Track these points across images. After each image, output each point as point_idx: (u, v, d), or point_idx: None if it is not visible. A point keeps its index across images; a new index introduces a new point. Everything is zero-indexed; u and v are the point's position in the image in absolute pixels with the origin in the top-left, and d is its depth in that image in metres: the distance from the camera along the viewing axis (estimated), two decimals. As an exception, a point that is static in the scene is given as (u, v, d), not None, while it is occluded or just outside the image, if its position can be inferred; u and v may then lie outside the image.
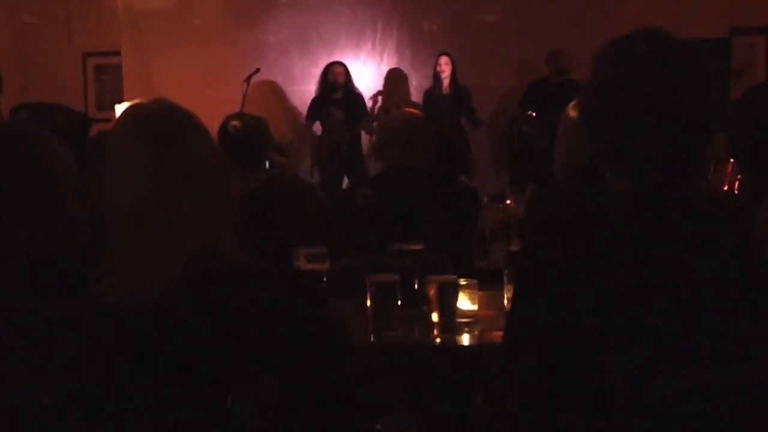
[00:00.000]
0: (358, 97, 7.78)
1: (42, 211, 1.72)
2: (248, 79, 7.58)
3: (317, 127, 7.87)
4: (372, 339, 2.56)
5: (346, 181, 7.62)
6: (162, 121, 1.65)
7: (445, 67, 7.73)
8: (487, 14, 8.17)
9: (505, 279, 2.78)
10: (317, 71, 7.96)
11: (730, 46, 7.40)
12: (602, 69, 1.57)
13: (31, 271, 1.68)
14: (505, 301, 2.76)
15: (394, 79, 7.86)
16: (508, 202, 4.30)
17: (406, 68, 8.24)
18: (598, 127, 1.58)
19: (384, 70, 8.24)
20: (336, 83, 7.64)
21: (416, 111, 4.02)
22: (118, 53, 8.40)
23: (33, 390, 1.56)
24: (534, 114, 7.51)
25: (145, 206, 1.58)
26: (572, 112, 2.87)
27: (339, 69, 7.69)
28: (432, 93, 7.84)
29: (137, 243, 1.58)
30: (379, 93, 7.92)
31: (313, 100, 7.81)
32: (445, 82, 7.76)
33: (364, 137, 7.81)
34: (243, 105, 7.26)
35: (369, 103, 7.90)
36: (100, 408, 1.56)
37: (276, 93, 8.33)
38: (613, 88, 1.55)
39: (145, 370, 1.55)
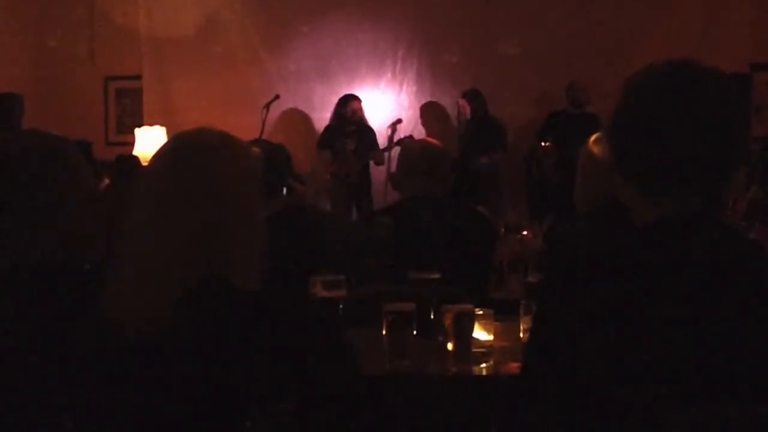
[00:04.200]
0: (370, 129, 7.92)
1: (43, 223, 1.73)
2: (267, 105, 7.62)
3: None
4: (387, 368, 2.54)
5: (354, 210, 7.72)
6: (184, 153, 1.69)
7: (461, 108, 7.83)
8: (507, 46, 8.20)
9: (522, 310, 2.76)
10: (337, 99, 8.00)
11: (751, 82, 7.38)
12: (630, 97, 1.58)
13: (40, 287, 1.68)
14: (521, 333, 2.73)
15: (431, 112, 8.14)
16: (526, 233, 4.27)
17: (425, 98, 8.28)
18: (626, 152, 1.59)
19: (403, 99, 8.29)
20: (353, 118, 7.81)
21: (435, 141, 4.02)
22: (139, 77, 8.48)
23: (55, 413, 1.56)
24: (551, 145, 7.51)
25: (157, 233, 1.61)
26: (595, 148, 2.86)
27: (357, 105, 7.87)
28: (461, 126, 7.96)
29: (147, 266, 1.59)
30: (398, 121, 7.96)
31: (327, 129, 7.87)
32: (467, 118, 7.87)
33: (373, 168, 7.88)
34: (262, 131, 7.30)
35: (388, 132, 7.94)
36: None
37: (296, 121, 8.37)
38: (640, 115, 1.55)
39: (164, 396, 1.55)
